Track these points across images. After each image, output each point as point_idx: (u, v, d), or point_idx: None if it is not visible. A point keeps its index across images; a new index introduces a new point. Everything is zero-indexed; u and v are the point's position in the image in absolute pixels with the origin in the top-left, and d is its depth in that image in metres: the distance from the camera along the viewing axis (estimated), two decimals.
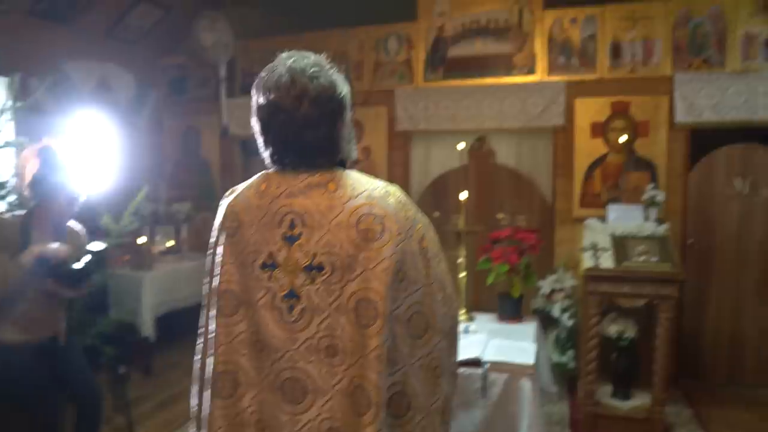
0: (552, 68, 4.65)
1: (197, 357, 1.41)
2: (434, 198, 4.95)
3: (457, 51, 4.90)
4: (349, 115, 1.35)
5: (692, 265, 4.37)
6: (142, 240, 4.79)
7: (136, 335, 4.50)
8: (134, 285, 4.55)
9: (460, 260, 3.09)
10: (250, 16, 5.48)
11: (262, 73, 1.31)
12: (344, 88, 1.32)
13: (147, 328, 4.55)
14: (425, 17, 4.96)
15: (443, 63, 4.94)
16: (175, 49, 5.72)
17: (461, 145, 4.85)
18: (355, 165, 1.42)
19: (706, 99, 4.24)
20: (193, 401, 1.42)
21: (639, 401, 3.75)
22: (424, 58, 4.99)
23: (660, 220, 3.87)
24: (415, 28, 5.00)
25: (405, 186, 4.84)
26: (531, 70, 4.70)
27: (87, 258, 2.50)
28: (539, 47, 4.67)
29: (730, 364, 4.38)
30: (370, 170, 4.92)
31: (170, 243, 5.39)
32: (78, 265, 2.46)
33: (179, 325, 4.75)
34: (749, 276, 4.31)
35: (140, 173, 5.07)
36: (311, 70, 1.26)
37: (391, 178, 4.78)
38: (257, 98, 1.30)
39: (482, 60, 4.82)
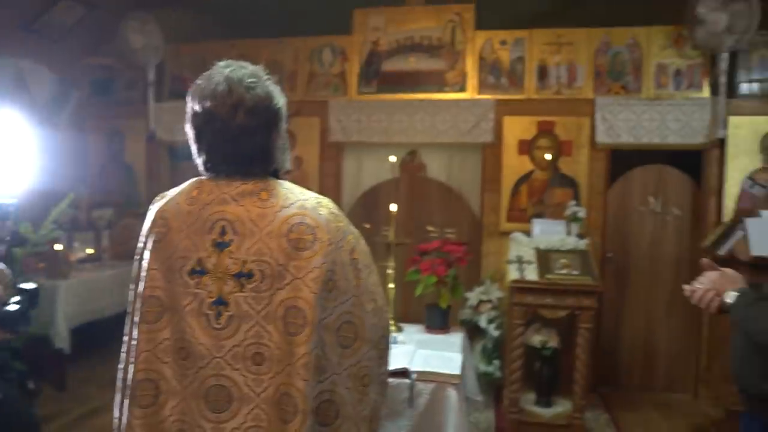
0: (482, 87, 4.80)
1: (120, 366, 1.36)
2: (365, 209, 4.97)
3: (391, 65, 4.97)
4: (284, 126, 1.37)
5: (610, 278, 4.61)
6: (58, 247, 4.53)
7: (50, 347, 4.25)
8: (49, 294, 4.27)
9: (390, 271, 3.12)
10: (182, 20, 5.35)
11: (199, 81, 1.30)
12: (280, 100, 1.33)
13: (61, 339, 4.29)
14: (360, 31, 5.00)
15: (377, 76, 5.00)
16: (100, 49, 5.49)
17: (393, 158, 4.93)
18: (287, 175, 1.43)
19: (623, 122, 4.50)
20: (116, 412, 1.36)
21: (560, 408, 3.91)
22: (358, 71, 5.03)
23: (581, 235, 4.06)
24: (350, 41, 5.04)
25: (336, 197, 4.84)
26: (462, 88, 4.84)
27: (18, 298, 2.37)
28: (470, 66, 4.81)
29: (644, 370, 4.65)
30: (302, 180, 4.89)
31: (90, 251, 5.13)
32: (12, 307, 2.33)
33: (98, 336, 4.54)
34: (661, 288, 4.60)
35: (61, 177, 4.82)
36: (248, 81, 1.27)
37: (322, 189, 4.78)
38: (193, 105, 1.29)
39: (415, 75, 4.91)
